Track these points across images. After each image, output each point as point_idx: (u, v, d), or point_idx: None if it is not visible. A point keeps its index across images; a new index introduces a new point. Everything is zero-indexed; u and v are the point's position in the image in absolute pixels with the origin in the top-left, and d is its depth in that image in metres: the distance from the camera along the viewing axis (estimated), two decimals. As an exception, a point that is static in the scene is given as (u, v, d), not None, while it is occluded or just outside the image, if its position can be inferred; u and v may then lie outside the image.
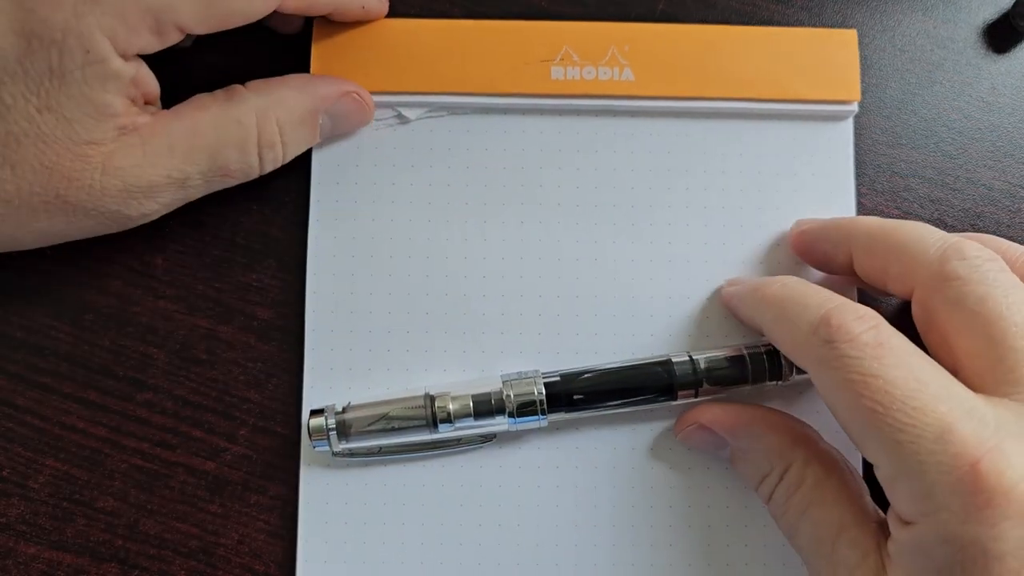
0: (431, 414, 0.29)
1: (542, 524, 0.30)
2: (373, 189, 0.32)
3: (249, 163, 0.29)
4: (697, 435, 0.29)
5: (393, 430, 0.29)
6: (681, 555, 0.30)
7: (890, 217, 0.32)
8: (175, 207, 0.29)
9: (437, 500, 0.30)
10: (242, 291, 0.31)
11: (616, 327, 0.31)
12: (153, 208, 0.28)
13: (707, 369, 0.29)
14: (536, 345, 0.31)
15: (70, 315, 0.31)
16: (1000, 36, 0.34)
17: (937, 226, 0.32)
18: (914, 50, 0.33)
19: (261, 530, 0.30)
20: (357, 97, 0.30)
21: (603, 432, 0.31)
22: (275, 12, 0.29)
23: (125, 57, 0.26)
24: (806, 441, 0.28)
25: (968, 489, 0.21)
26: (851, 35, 0.32)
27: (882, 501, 0.24)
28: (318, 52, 0.31)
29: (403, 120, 0.32)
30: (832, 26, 0.33)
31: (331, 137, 0.31)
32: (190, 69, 0.32)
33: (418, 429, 0.29)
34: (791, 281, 0.28)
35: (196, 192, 0.29)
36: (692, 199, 0.32)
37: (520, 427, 0.29)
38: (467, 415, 0.29)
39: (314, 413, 0.29)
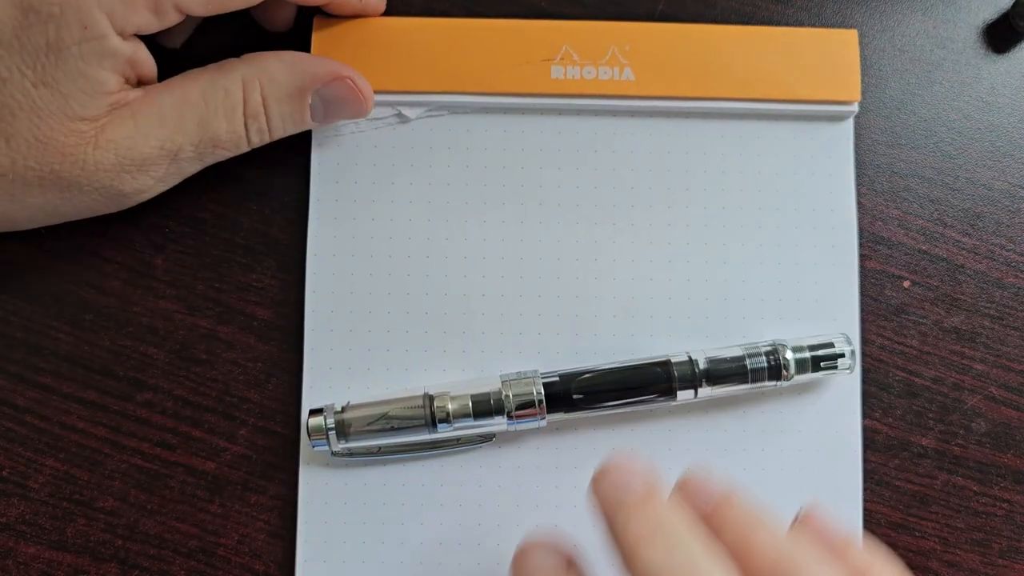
0: (430, 414, 0.29)
1: (542, 524, 0.30)
2: (373, 189, 0.32)
3: (238, 133, 0.29)
4: None
5: (392, 430, 0.29)
6: (681, 555, 0.30)
7: (890, 217, 0.32)
8: (170, 184, 0.29)
9: (436, 500, 0.30)
10: (242, 291, 0.31)
11: (616, 327, 0.31)
12: (148, 183, 0.28)
13: (706, 369, 0.29)
14: (536, 345, 0.31)
15: (70, 315, 0.31)
16: (1000, 36, 0.34)
17: (937, 226, 0.33)
18: (914, 50, 0.33)
19: (261, 530, 0.30)
20: (351, 84, 0.30)
21: (602, 432, 0.31)
22: (271, 2, 0.29)
23: (123, 35, 0.26)
24: None
25: None
26: (851, 35, 0.32)
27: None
28: (318, 52, 0.31)
29: (403, 120, 0.32)
30: (832, 26, 0.33)
31: (329, 124, 0.31)
32: (189, 67, 0.32)
33: (417, 429, 0.29)
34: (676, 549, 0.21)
35: (189, 166, 0.29)
36: (692, 199, 0.32)
37: (519, 427, 0.29)
38: (466, 415, 0.29)
39: (313, 413, 0.29)
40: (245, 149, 0.29)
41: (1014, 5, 0.33)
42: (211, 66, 0.29)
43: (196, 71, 0.29)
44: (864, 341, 0.32)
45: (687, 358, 0.29)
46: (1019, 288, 0.32)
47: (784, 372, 0.29)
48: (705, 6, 0.33)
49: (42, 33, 0.25)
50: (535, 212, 0.32)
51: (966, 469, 0.31)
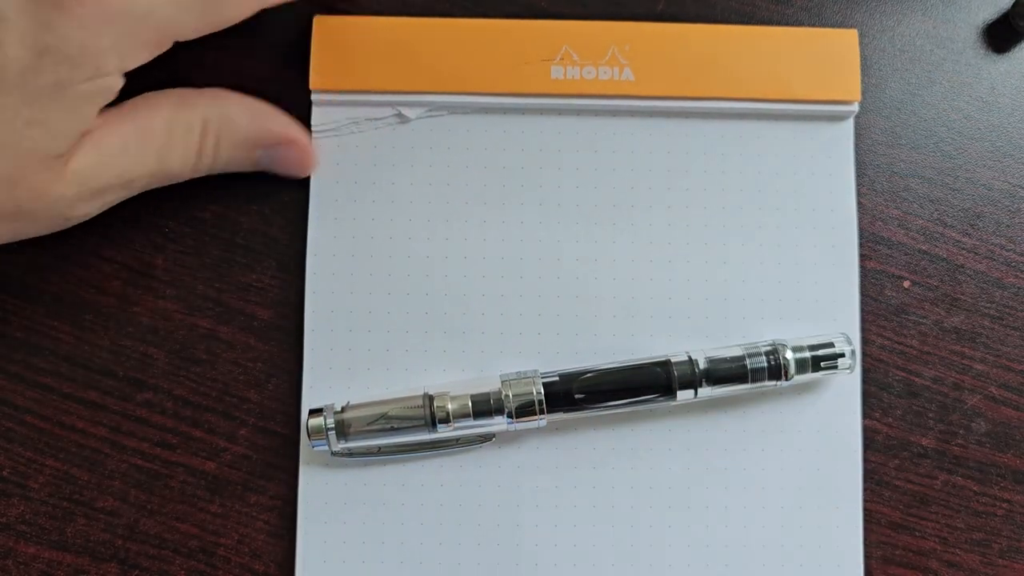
0: (430, 414, 0.29)
1: (541, 524, 0.30)
2: (373, 189, 0.32)
3: (188, 166, 0.29)
4: None
5: (392, 430, 0.29)
6: (680, 556, 0.30)
7: (890, 217, 0.32)
8: (109, 207, 0.29)
9: (436, 500, 0.30)
10: (242, 291, 0.31)
11: (616, 327, 0.31)
12: (94, 208, 0.28)
13: (706, 369, 0.29)
14: (536, 345, 0.31)
15: (70, 315, 0.31)
16: (1000, 36, 0.34)
17: (937, 226, 0.33)
18: (914, 50, 0.33)
19: (261, 530, 0.30)
20: (299, 151, 0.30)
21: (602, 432, 0.31)
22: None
23: (122, 72, 0.26)
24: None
25: None
26: (851, 35, 0.32)
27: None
28: (318, 52, 0.31)
29: (403, 120, 0.32)
30: (832, 26, 0.33)
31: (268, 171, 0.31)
32: (189, 67, 0.32)
33: (417, 429, 0.29)
34: None
35: (134, 192, 0.29)
36: (692, 199, 0.32)
37: (519, 427, 0.29)
38: (466, 415, 0.29)
39: (313, 413, 0.29)
40: (186, 179, 0.30)
41: (1014, 5, 0.33)
42: (172, 94, 0.29)
43: (157, 97, 0.28)
44: (864, 341, 0.32)
45: (687, 358, 0.29)
46: (1019, 288, 0.32)
47: (784, 372, 0.29)
48: (705, 6, 0.33)
49: (53, 73, 0.25)
50: (535, 212, 0.32)
51: (966, 469, 0.31)
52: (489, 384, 0.29)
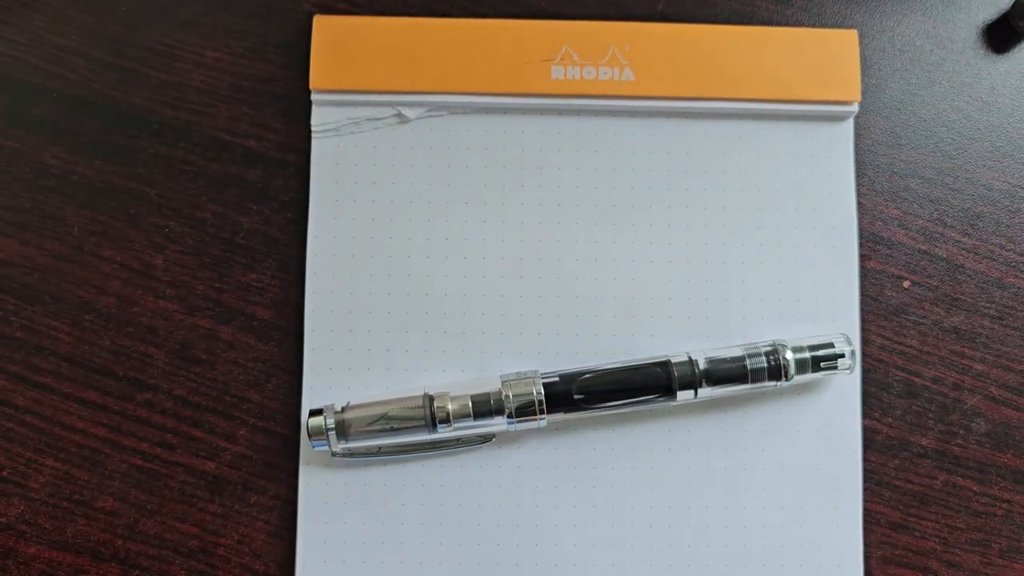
0: (430, 414, 0.29)
1: (541, 524, 0.30)
2: (373, 189, 0.32)
3: None
4: None
5: (392, 430, 0.29)
6: (680, 555, 0.30)
7: (890, 217, 0.32)
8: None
9: (436, 500, 0.30)
10: (242, 291, 0.31)
11: (616, 327, 0.31)
12: None
13: (706, 369, 0.29)
14: (536, 345, 0.31)
15: (70, 315, 0.31)
16: (999, 36, 0.34)
17: (937, 226, 0.33)
18: (914, 50, 0.33)
19: (261, 530, 0.30)
20: None
21: (602, 432, 0.31)
22: None
23: None
24: None
25: None
26: (851, 35, 0.32)
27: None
28: (318, 52, 0.31)
29: (403, 120, 0.32)
30: (832, 26, 0.33)
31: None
32: (189, 67, 0.32)
33: (417, 429, 0.29)
34: None
35: None
36: (692, 199, 0.32)
37: (519, 428, 0.29)
38: (466, 415, 0.29)
39: (313, 413, 0.29)
40: None
41: (1014, 5, 0.33)
42: None
43: None
44: (864, 341, 0.32)
45: (687, 358, 0.29)
46: (1019, 288, 0.32)
47: (784, 372, 0.29)
48: (705, 6, 0.33)
49: None
50: (535, 212, 0.32)
51: (966, 469, 0.31)
52: (489, 384, 0.29)
